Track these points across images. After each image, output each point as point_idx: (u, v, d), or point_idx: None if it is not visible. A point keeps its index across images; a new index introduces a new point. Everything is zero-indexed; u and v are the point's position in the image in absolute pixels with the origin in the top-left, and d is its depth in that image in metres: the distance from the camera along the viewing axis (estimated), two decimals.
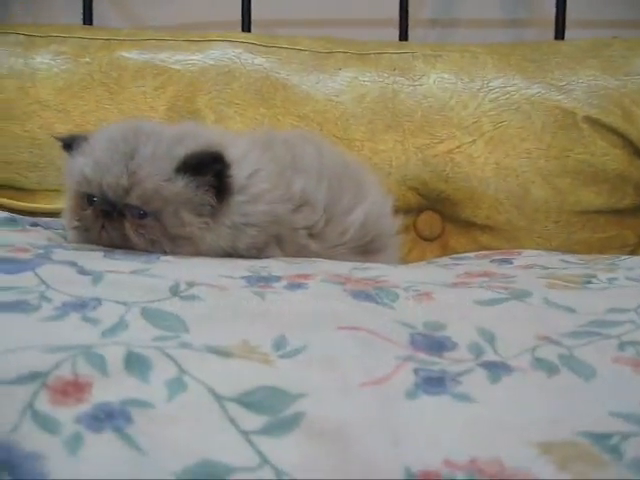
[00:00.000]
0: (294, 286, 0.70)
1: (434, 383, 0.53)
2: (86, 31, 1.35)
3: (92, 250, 0.83)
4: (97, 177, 0.84)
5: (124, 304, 0.61)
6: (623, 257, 0.97)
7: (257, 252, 0.90)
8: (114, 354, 0.52)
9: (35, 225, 1.02)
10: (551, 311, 0.67)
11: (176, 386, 0.49)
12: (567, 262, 0.96)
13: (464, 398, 0.51)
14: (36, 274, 0.68)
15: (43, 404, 0.46)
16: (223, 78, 1.26)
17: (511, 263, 0.99)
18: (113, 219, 0.84)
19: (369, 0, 1.61)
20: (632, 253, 1.15)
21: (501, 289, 0.72)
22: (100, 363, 0.51)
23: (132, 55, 1.29)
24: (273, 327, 0.59)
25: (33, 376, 0.48)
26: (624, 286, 0.77)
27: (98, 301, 0.62)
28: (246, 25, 1.47)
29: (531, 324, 0.63)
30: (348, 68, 1.26)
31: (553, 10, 1.40)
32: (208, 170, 0.84)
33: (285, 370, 0.53)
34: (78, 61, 1.28)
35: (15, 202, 1.22)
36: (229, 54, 1.29)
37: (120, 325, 0.58)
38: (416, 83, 1.22)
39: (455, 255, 1.13)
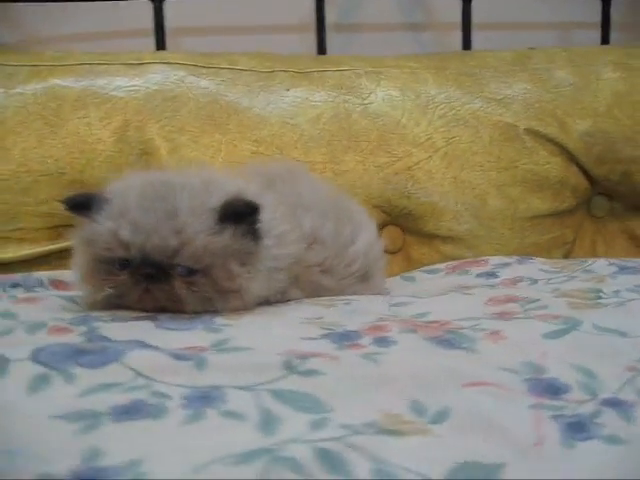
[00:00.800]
0: (382, 341, 0.72)
1: (577, 429, 0.59)
2: (4, 55, 1.23)
3: (138, 319, 0.79)
4: (139, 240, 0.79)
5: (248, 389, 0.61)
6: (588, 261, 1.09)
7: (281, 296, 0.90)
8: (303, 455, 0.52)
9: (16, 286, 0.94)
10: (608, 337, 0.75)
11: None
12: (544, 272, 1.06)
13: (615, 441, 0.57)
14: (123, 364, 0.65)
15: None
16: (171, 104, 1.22)
17: (497, 277, 1.07)
18: (159, 281, 0.80)
19: (273, 6, 1.61)
20: (570, 249, 1.29)
21: (550, 318, 0.79)
22: (297, 466, 0.51)
23: (68, 83, 1.21)
24: (402, 393, 0.62)
25: None
26: (632, 299, 0.86)
27: (220, 390, 0.60)
28: (160, 38, 1.42)
29: (610, 355, 0.70)
30: (296, 89, 1.27)
31: (451, 14, 1.49)
32: (246, 218, 0.82)
33: (454, 439, 0.56)
34: (8, 92, 1.17)
35: None
36: (171, 77, 1.24)
37: (269, 418, 0.57)
38: (366, 102, 1.26)
39: (425, 268, 1.19)
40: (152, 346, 0.68)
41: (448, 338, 0.74)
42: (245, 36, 1.60)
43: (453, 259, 1.21)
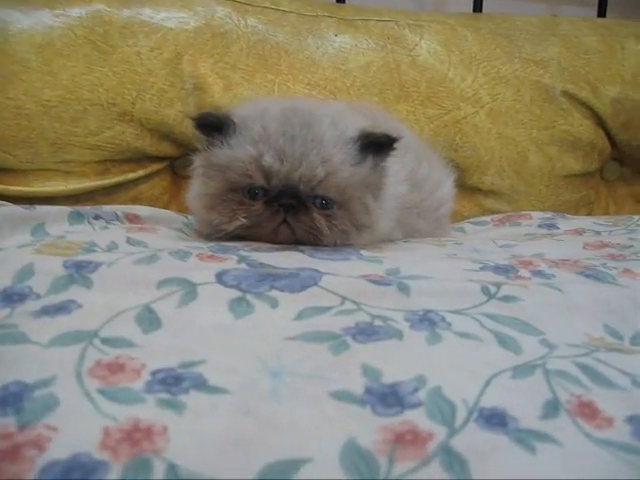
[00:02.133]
0: (540, 274, 0.74)
1: None
2: None
3: (279, 249, 0.76)
4: (284, 169, 0.75)
5: (462, 313, 0.61)
6: (634, 218, 1.15)
7: (387, 236, 0.89)
8: (570, 368, 0.53)
9: (98, 218, 0.88)
10: None
11: None
12: (600, 225, 1.11)
13: None
14: (324, 288, 0.62)
15: None
16: (221, 40, 1.17)
17: (558, 228, 1.11)
18: (298, 212, 0.76)
19: None
20: (592, 209, 1.35)
21: None
22: (572, 378, 0.52)
23: (113, 9, 1.12)
24: (595, 318, 0.64)
25: None
26: None
27: (437, 314, 0.60)
28: None
29: None
30: (343, 35, 1.24)
31: None
32: (384, 149, 0.80)
33: None
34: (53, 12, 1.07)
35: (4, 186, 1.01)
36: (218, 12, 1.18)
37: (504, 338, 0.57)
38: (412, 53, 1.26)
39: (471, 220, 1.22)
40: (332, 273, 0.66)
41: (591, 274, 0.76)
42: None
43: (492, 212, 1.24)
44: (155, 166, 1.14)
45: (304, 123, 0.78)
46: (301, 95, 1.18)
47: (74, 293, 0.60)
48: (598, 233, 1.06)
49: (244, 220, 0.77)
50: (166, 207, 1.16)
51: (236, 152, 0.77)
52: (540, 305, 0.64)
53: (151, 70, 1.11)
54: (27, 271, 0.64)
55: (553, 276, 0.74)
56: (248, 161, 0.76)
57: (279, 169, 0.75)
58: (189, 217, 1.02)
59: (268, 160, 0.75)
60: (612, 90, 1.31)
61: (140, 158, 1.12)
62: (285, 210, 0.76)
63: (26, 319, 0.56)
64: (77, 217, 0.85)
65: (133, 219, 0.93)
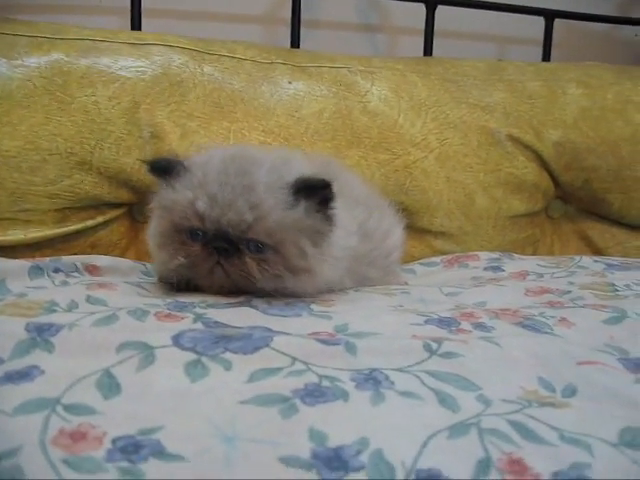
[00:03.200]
0: (481, 326, 0.79)
1: None
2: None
3: (233, 305, 0.79)
4: (214, 213, 0.80)
5: (405, 371, 0.65)
6: (575, 258, 1.21)
7: (337, 285, 0.93)
8: (502, 425, 0.57)
9: (57, 271, 0.90)
10: None
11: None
12: (543, 267, 1.17)
13: None
14: (274, 349, 0.66)
15: None
16: (178, 89, 1.20)
17: (503, 270, 1.17)
18: (231, 256, 0.81)
19: None
20: (537, 246, 1.41)
21: (598, 307, 0.89)
22: (504, 436, 0.56)
23: (71, 58, 1.15)
24: (532, 371, 0.68)
25: None
26: None
27: (381, 372, 0.64)
28: (137, 17, 1.38)
29: None
30: (297, 82, 1.29)
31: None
32: (318, 193, 0.83)
33: (597, 410, 0.63)
34: (11, 63, 1.10)
35: None
36: (176, 61, 1.22)
37: (443, 397, 0.61)
38: (364, 100, 1.31)
39: (422, 261, 1.27)
40: (283, 332, 0.70)
41: (529, 324, 0.81)
42: (208, 23, 1.59)
43: (442, 253, 1.29)
44: (113, 212, 1.17)
45: (240, 170, 0.83)
46: (255, 142, 1.22)
47: (36, 358, 0.62)
48: (541, 276, 1.12)
49: (182, 260, 0.83)
50: (124, 252, 1.19)
51: (178, 195, 0.83)
52: (479, 360, 0.68)
53: (109, 119, 1.14)
54: None
55: (493, 328, 0.79)
56: (185, 205, 0.82)
57: (210, 214, 0.81)
58: (147, 265, 1.05)
59: (200, 205, 0.81)
60: (554, 134, 1.38)
61: (98, 205, 1.15)
62: (218, 253, 0.82)
63: None
64: (37, 271, 0.88)
65: (92, 270, 0.95)
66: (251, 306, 0.80)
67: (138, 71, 1.18)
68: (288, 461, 0.51)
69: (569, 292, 0.97)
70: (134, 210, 1.21)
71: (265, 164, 0.84)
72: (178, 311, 0.76)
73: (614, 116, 1.41)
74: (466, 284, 1.04)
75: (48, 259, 0.93)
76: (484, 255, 1.25)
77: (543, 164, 1.38)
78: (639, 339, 0.80)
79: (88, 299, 0.78)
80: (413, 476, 0.50)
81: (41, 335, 0.66)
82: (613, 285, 1.02)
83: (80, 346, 0.65)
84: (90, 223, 1.13)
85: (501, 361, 0.69)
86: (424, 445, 0.54)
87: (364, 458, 0.52)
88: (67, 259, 0.95)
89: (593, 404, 0.64)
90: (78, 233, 1.13)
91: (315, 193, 0.83)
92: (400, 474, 0.50)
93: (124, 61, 1.18)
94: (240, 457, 0.51)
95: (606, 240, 1.46)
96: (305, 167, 0.88)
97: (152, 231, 0.87)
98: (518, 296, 0.96)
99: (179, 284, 0.85)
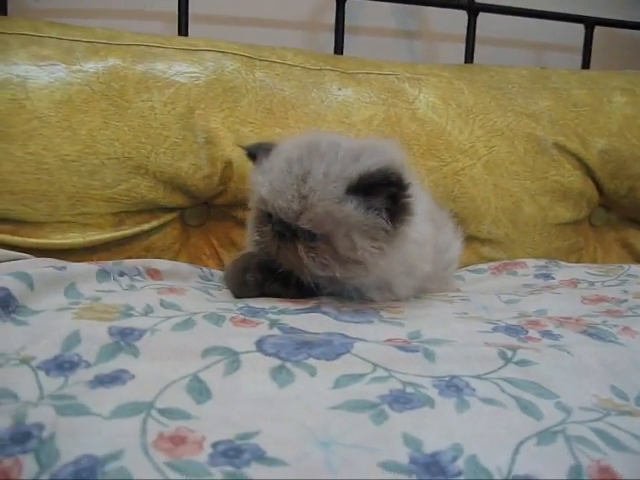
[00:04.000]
0: (548, 334, 0.79)
1: None
2: (54, 29, 1.17)
3: (305, 311, 0.80)
4: (271, 199, 0.83)
5: (483, 378, 0.66)
6: (624, 267, 1.21)
7: (398, 287, 0.93)
8: (586, 433, 0.58)
9: (122, 274, 0.92)
10: None
11: None
12: (593, 275, 1.18)
13: None
14: (356, 356, 0.67)
15: None
16: (231, 94, 1.21)
17: (553, 278, 1.17)
18: (287, 240, 0.84)
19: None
20: (581, 255, 1.42)
21: None
22: (589, 443, 0.57)
23: (128, 64, 1.16)
24: (602, 380, 0.69)
25: None
26: None
27: (461, 379, 0.65)
28: (184, 23, 1.40)
29: None
30: (346, 88, 1.30)
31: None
32: (380, 192, 0.81)
33: None
34: (69, 68, 1.11)
35: (23, 239, 1.04)
36: (228, 67, 1.23)
37: (524, 404, 0.62)
38: (412, 107, 1.32)
39: (469, 267, 1.27)
40: (360, 339, 0.71)
41: (593, 333, 0.82)
42: (251, 28, 1.61)
43: (489, 260, 1.30)
44: (167, 216, 1.18)
45: (300, 159, 0.84)
46: None
47: (123, 362, 0.64)
48: (592, 284, 1.12)
49: (258, 238, 0.87)
50: (176, 256, 1.20)
51: (255, 179, 0.88)
52: (552, 368, 0.69)
53: (165, 124, 1.15)
54: (74, 338, 0.67)
55: (560, 336, 0.79)
56: (257, 189, 0.86)
57: (267, 199, 0.84)
58: (204, 269, 1.06)
59: (262, 190, 0.85)
60: (600, 142, 1.39)
61: (153, 209, 1.16)
62: (278, 237, 0.85)
63: (82, 389, 0.59)
64: (104, 275, 0.89)
65: (154, 274, 0.97)
66: (322, 312, 0.81)
67: (192, 77, 1.20)
68: (388, 466, 0.52)
69: (625, 301, 0.98)
70: (186, 214, 1.22)
71: (328, 155, 0.83)
72: (252, 316, 0.77)
73: None
74: (521, 291, 1.05)
75: (111, 262, 0.94)
76: (531, 262, 1.26)
77: (588, 172, 1.38)
78: None
79: (162, 303, 0.79)
80: None
81: (125, 339, 0.67)
82: None
83: (165, 350, 0.66)
84: (145, 227, 1.15)
85: (574, 369, 0.70)
86: (516, 452, 0.55)
87: (460, 464, 0.52)
88: (129, 263, 0.96)
89: None
90: (133, 237, 1.14)
91: (376, 189, 0.81)
92: None
93: (178, 67, 1.20)
94: (341, 462, 0.52)
95: None
96: (376, 162, 0.82)
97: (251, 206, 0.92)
98: (576, 304, 0.97)
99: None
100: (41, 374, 0.62)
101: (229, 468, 0.51)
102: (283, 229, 0.84)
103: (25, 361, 0.63)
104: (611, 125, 1.40)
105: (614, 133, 1.40)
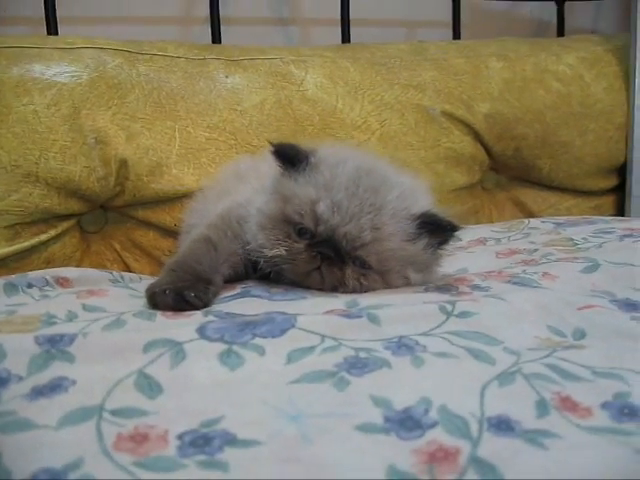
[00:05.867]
0: (477, 287, 0.81)
1: None
2: None
3: (241, 297, 0.78)
4: (334, 221, 0.77)
5: (427, 335, 0.66)
6: (524, 221, 1.26)
7: None
8: (541, 370, 0.60)
9: (31, 286, 0.86)
10: (624, 268, 0.90)
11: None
12: (498, 232, 1.22)
13: None
14: (302, 329, 0.66)
15: None
16: (116, 91, 1.16)
17: (460, 239, 1.20)
18: (333, 264, 0.78)
19: None
20: (478, 217, 1.47)
21: (571, 260, 0.93)
22: (545, 377, 0.58)
23: (1, 67, 1.09)
24: (540, 320, 0.71)
25: None
26: (603, 242, 1.04)
27: (413, 340, 0.65)
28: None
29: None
30: (233, 75, 1.27)
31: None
32: (442, 235, 0.82)
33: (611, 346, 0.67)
34: None
35: None
36: (110, 63, 1.18)
37: (475, 353, 0.63)
38: (301, 88, 1.31)
39: None
40: (302, 313, 0.69)
41: (517, 281, 0.85)
42: (123, 27, 1.54)
43: None
44: (64, 224, 1.12)
45: (372, 187, 0.79)
46: (202, 139, 1.20)
47: (59, 369, 0.59)
48: (499, 240, 1.16)
49: (284, 252, 0.79)
50: (79, 265, 1.14)
51: (299, 189, 0.80)
52: (493, 316, 0.71)
53: (51, 128, 1.08)
54: None
55: (490, 288, 0.81)
56: (305, 202, 0.79)
57: (329, 219, 0.78)
58: (113, 273, 1.01)
59: (322, 207, 0.78)
60: (484, 107, 1.43)
61: (48, 218, 1.09)
62: (322, 259, 0.79)
63: (21, 403, 0.55)
64: (11, 288, 0.83)
65: (63, 282, 0.91)
66: (253, 296, 0.79)
67: (73, 76, 1.13)
68: (365, 428, 0.51)
69: (536, 250, 1.02)
70: (83, 221, 1.16)
71: (396, 188, 0.81)
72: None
73: (535, 85, 1.48)
74: None
75: (14, 276, 0.88)
76: None
77: (476, 136, 1.43)
78: (619, 283, 0.85)
79: (84, 307, 0.74)
80: (486, 424, 0.51)
81: (55, 346, 0.63)
82: (572, 240, 1.07)
83: (102, 352, 0.62)
84: (43, 237, 1.08)
85: (511, 315, 0.72)
86: (482, 395, 0.55)
87: (434, 414, 0.52)
88: (35, 274, 0.90)
89: (604, 342, 0.68)
90: (31, 249, 1.07)
91: (440, 232, 0.81)
92: (474, 424, 0.51)
93: (57, 67, 1.13)
94: (317, 432, 0.50)
95: (538, 204, 1.54)
96: (429, 201, 0.85)
97: (259, 207, 0.83)
98: (492, 259, 1.00)
99: (263, 268, 0.82)
100: None
101: (202, 457, 0.48)
102: (329, 252, 0.78)
103: None
104: (492, 90, 1.45)
105: (496, 97, 1.45)
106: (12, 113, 1.06)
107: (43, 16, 1.32)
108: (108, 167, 1.12)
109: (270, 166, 0.87)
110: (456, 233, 0.82)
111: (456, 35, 1.75)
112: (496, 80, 1.46)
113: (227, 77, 1.27)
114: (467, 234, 1.20)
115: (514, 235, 1.18)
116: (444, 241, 0.82)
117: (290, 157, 0.83)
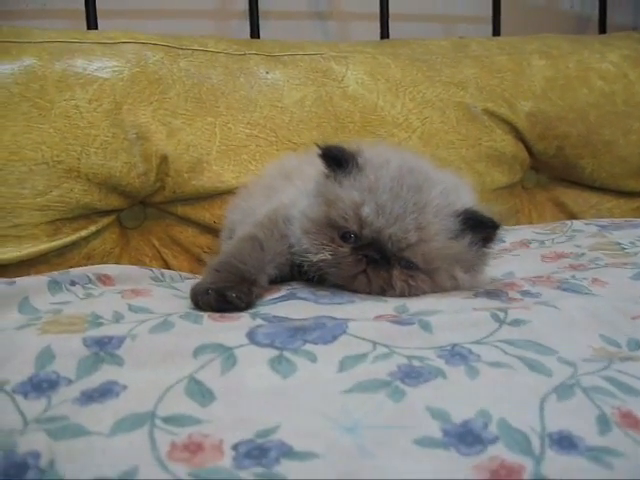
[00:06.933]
0: (528, 294, 0.80)
1: None
2: None
3: (287, 299, 0.77)
4: (379, 223, 0.76)
5: (482, 343, 0.64)
6: (567, 223, 1.24)
7: None
8: (599, 383, 0.58)
9: (74, 284, 0.85)
10: None
11: None
12: (540, 234, 1.19)
13: None
14: (353, 335, 0.65)
15: None
16: (157, 86, 1.15)
17: (504, 241, 1.17)
18: (379, 267, 0.77)
19: None
20: (518, 217, 1.44)
21: (620, 265, 0.91)
22: (605, 391, 0.57)
23: (44, 62, 1.08)
24: (592, 329, 0.69)
25: None
26: None
27: (466, 348, 0.63)
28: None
29: None
30: (274, 71, 1.26)
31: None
32: (485, 232, 0.80)
33: None
34: None
35: None
36: (151, 59, 1.17)
37: (531, 363, 0.61)
38: (342, 85, 1.29)
39: None
40: (351, 319, 0.68)
41: (567, 287, 0.83)
42: (159, 21, 1.54)
43: None
44: (104, 220, 1.12)
45: (414, 186, 0.78)
46: (242, 135, 1.19)
47: (109, 373, 0.59)
48: (542, 242, 1.14)
49: (329, 257, 0.78)
50: (118, 261, 1.14)
51: (344, 193, 0.79)
52: (545, 324, 0.69)
53: (92, 123, 1.08)
54: (46, 355, 0.62)
55: (540, 294, 0.79)
56: (349, 205, 0.78)
57: (373, 222, 0.77)
58: (154, 270, 1.00)
59: (366, 211, 0.77)
60: (526, 105, 1.41)
61: (89, 214, 1.09)
62: (368, 262, 0.77)
63: (72, 408, 0.54)
64: (55, 286, 0.83)
65: (105, 280, 0.90)
66: (299, 298, 0.77)
67: (115, 71, 1.13)
68: (424, 442, 0.49)
69: (583, 254, 1.00)
70: (123, 217, 1.16)
71: (438, 185, 0.80)
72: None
73: (578, 84, 1.46)
74: None
75: (57, 273, 0.88)
76: None
77: (518, 135, 1.41)
78: None
79: (130, 308, 0.74)
80: (548, 440, 0.50)
81: (104, 349, 0.62)
82: (619, 244, 1.05)
83: (151, 355, 0.61)
84: (83, 233, 1.08)
85: (564, 323, 0.70)
86: (541, 409, 0.54)
87: (493, 429, 0.51)
88: (77, 271, 0.89)
89: None
90: (72, 245, 1.07)
91: (483, 229, 0.80)
92: (535, 439, 0.50)
93: (99, 62, 1.13)
94: (375, 445, 0.49)
95: (579, 204, 1.51)
96: (472, 198, 0.85)
97: (303, 210, 0.82)
98: (538, 263, 0.98)
99: (308, 272, 0.81)
100: (19, 398, 0.56)
101: (259, 469, 0.47)
102: (375, 254, 0.77)
103: None
104: (534, 88, 1.42)
105: (538, 95, 1.42)
106: (54, 108, 1.06)
107: (83, 10, 1.32)
108: (149, 163, 1.12)
109: (314, 168, 0.86)
110: (498, 230, 0.80)
111: (496, 31, 1.72)
112: (538, 78, 1.44)
113: (267, 73, 1.26)
114: (509, 235, 1.19)
115: (558, 237, 1.15)
116: (487, 238, 0.81)
117: (338, 159, 0.81)
